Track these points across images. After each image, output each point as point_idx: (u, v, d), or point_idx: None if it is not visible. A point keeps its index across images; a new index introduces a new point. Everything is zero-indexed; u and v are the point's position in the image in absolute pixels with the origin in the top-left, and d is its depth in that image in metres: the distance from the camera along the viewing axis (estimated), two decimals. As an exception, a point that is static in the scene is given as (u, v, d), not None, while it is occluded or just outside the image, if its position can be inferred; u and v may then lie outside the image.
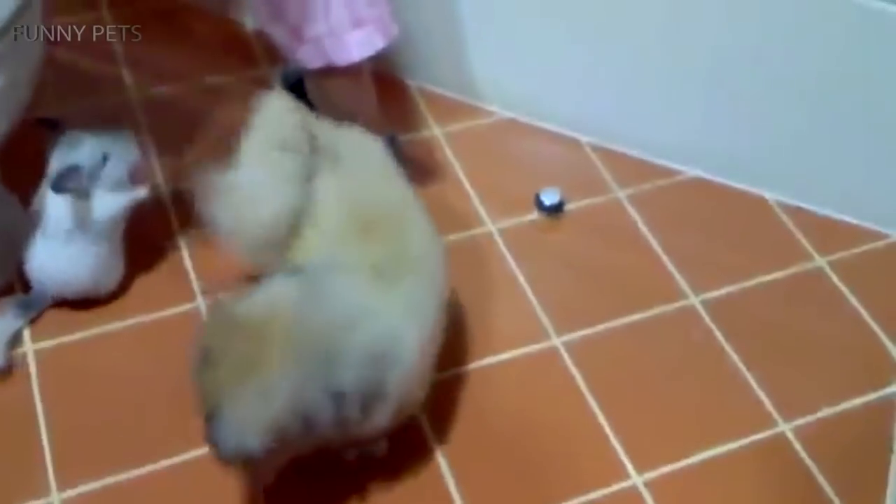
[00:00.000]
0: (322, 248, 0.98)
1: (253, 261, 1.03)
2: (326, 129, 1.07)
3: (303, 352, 0.89)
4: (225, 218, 1.02)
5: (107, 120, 1.39)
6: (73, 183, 1.07)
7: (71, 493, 1.02)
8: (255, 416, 0.87)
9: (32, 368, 1.12)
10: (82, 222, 1.10)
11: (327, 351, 0.90)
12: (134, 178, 1.13)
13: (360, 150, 1.07)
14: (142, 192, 1.14)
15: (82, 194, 1.09)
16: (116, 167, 1.10)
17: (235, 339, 0.89)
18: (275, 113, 1.06)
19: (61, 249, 1.12)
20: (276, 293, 0.92)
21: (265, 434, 0.87)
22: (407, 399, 0.97)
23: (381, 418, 0.95)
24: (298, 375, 0.88)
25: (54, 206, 1.10)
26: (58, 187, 1.07)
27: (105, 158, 1.09)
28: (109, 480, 1.02)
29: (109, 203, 1.11)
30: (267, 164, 1.03)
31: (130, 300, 1.18)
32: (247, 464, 0.92)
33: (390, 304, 0.95)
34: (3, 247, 1.21)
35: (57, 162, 1.09)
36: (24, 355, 1.13)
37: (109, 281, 1.17)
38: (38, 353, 1.13)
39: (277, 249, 1.00)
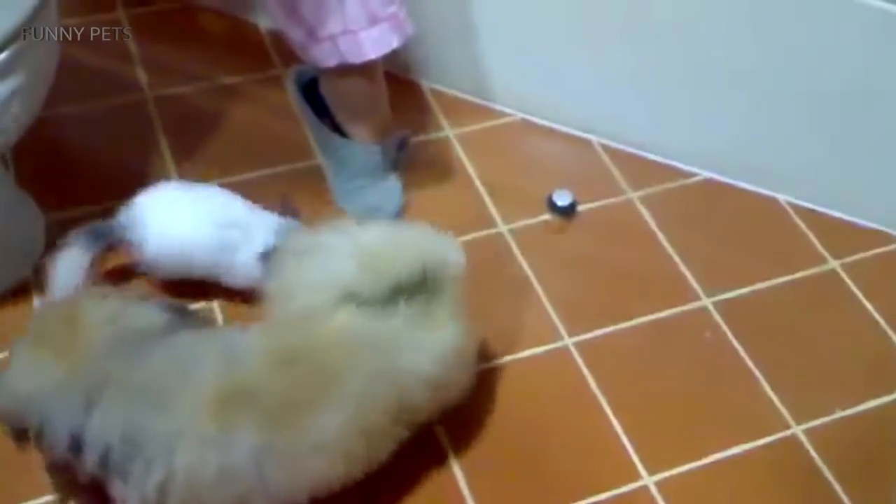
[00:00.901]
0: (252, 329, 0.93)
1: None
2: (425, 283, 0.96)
3: (84, 368, 0.86)
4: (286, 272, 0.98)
5: (123, 121, 1.40)
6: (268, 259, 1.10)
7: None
8: (11, 380, 0.87)
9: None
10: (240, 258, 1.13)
11: (96, 390, 0.86)
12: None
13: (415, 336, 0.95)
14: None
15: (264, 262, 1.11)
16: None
17: (60, 315, 0.90)
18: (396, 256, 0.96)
19: (185, 230, 1.12)
20: (136, 313, 0.91)
21: (8, 401, 0.87)
22: None
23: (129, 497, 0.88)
24: (62, 380, 0.86)
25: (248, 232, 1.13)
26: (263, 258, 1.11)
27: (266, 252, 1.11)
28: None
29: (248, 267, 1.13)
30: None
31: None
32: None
33: (194, 424, 0.86)
34: (19, 244, 1.22)
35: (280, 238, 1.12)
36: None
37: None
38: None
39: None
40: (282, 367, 0.89)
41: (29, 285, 1.19)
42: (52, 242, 1.23)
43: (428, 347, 0.94)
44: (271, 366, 0.89)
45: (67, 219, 1.25)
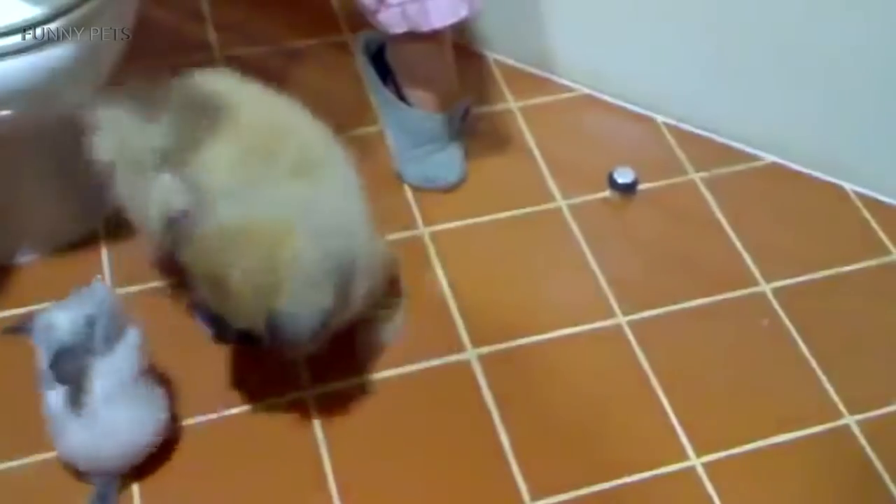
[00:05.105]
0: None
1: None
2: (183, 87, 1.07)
3: None
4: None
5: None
6: (73, 366, 0.94)
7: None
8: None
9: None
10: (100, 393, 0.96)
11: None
12: (120, 323, 0.98)
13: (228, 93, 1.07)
14: (133, 334, 0.99)
15: (85, 372, 0.95)
16: (104, 324, 0.96)
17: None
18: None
19: (96, 425, 0.97)
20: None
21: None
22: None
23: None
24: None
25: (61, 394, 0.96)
26: (62, 378, 0.93)
27: (90, 323, 0.95)
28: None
29: (116, 364, 0.97)
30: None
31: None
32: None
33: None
34: (90, 195, 1.25)
35: (44, 351, 0.95)
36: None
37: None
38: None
39: None
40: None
41: (98, 236, 1.22)
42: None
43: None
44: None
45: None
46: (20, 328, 0.98)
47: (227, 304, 0.94)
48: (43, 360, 0.95)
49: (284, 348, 0.94)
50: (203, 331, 1.08)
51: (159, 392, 1.01)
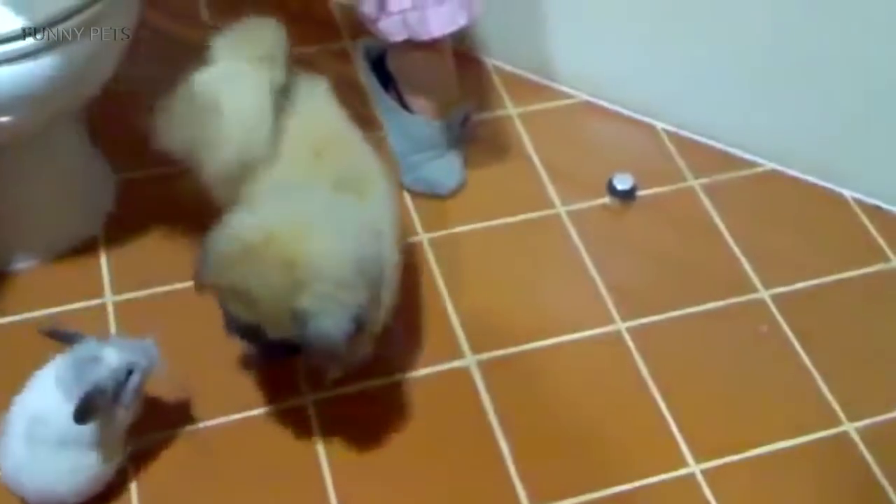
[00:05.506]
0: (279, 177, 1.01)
1: (218, 186, 1.04)
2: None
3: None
4: (197, 127, 1.04)
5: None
6: (99, 410, 0.92)
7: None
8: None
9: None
10: (92, 437, 0.95)
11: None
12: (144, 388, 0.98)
13: (307, 89, 1.10)
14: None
15: (106, 416, 0.94)
16: (139, 379, 0.95)
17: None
18: (258, 29, 1.09)
19: (53, 460, 0.95)
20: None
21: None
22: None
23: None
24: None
25: (59, 416, 0.92)
26: (82, 418, 0.90)
27: (130, 372, 0.94)
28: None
29: (122, 416, 0.97)
30: (245, 70, 1.05)
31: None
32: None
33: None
34: (90, 201, 1.25)
35: (75, 377, 0.92)
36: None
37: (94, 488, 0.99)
38: None
39: (245, 172, 1.02)
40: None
41: (97, 242, 1.22)
42: (122, 202, 1.27)
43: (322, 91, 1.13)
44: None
45: (138, 179, 1.29)
46: (59, 334, 0.96)
47: (255, 312, 0.92)
48: (68, 380, 0.92)
49: (321, 354, 0.93)
50: (249, 353, 1.08)
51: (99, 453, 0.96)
